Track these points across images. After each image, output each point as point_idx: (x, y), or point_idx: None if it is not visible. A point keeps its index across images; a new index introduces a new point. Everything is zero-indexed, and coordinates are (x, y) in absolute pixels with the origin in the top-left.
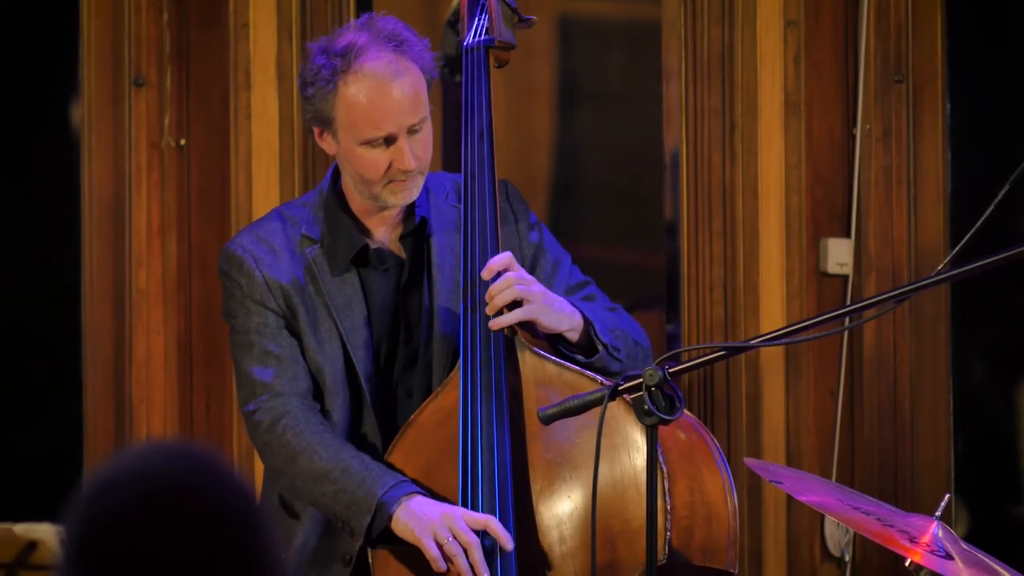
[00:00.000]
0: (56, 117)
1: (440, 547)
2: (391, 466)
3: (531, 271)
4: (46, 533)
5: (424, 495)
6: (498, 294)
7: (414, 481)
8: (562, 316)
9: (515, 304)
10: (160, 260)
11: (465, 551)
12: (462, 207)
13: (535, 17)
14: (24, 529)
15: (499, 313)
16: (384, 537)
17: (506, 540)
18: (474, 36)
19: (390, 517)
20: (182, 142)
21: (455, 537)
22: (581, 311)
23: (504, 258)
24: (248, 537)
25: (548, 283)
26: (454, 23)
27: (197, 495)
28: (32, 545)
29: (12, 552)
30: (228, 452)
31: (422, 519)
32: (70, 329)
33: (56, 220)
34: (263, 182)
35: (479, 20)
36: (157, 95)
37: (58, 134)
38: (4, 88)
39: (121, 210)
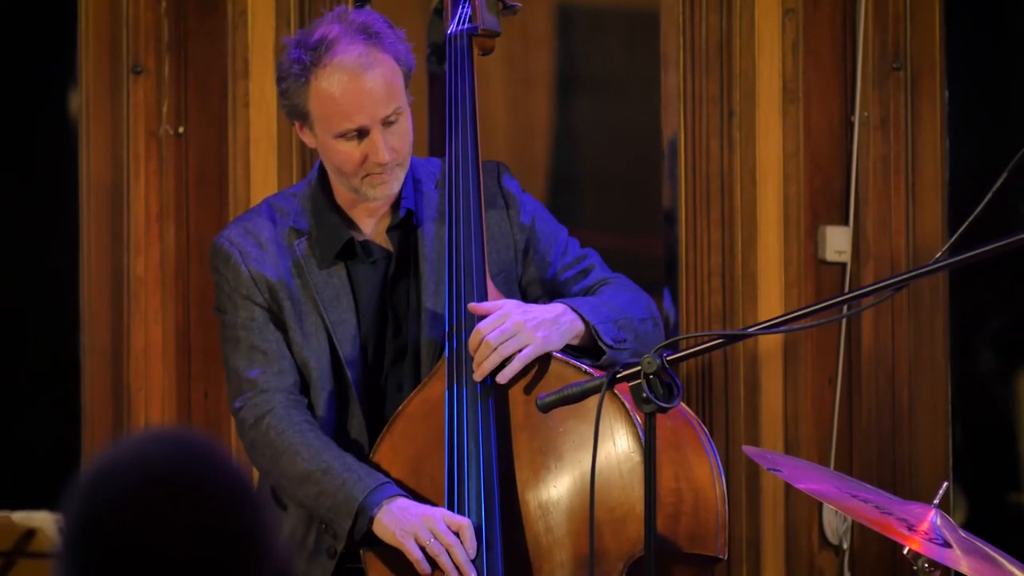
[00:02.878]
0: (54, 105)
1: (423, 549)
2: (377, 466)
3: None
4: (44, 521)
5: (406, 497)
6: (485, 360)
7: (398, 482)
8: (563, 336)
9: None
10: (158, 248)
11: (448, 551)
12: (446, 197)
13: (519, 3)
14: (22, 517)
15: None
16: (366, 539)
17: (472, 547)
18: (457, 24)
19: (371, 520)
20: (180, 130)
21: (436, 538)
22: (580, 314)
23: (482, 328)
24: (244, 523)
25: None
26: (441, 11)
27: (193, 482)
28: (30, 533)
29: (10, 540)
30: (225, 441)
31: (403, 522)
32: (68, 317)
33: (54, 208)
34: (261, 170)
35: (463, 8)
36: (155, 83)
37: (56, 122)
38: (3, 76)
39: (119, 198)
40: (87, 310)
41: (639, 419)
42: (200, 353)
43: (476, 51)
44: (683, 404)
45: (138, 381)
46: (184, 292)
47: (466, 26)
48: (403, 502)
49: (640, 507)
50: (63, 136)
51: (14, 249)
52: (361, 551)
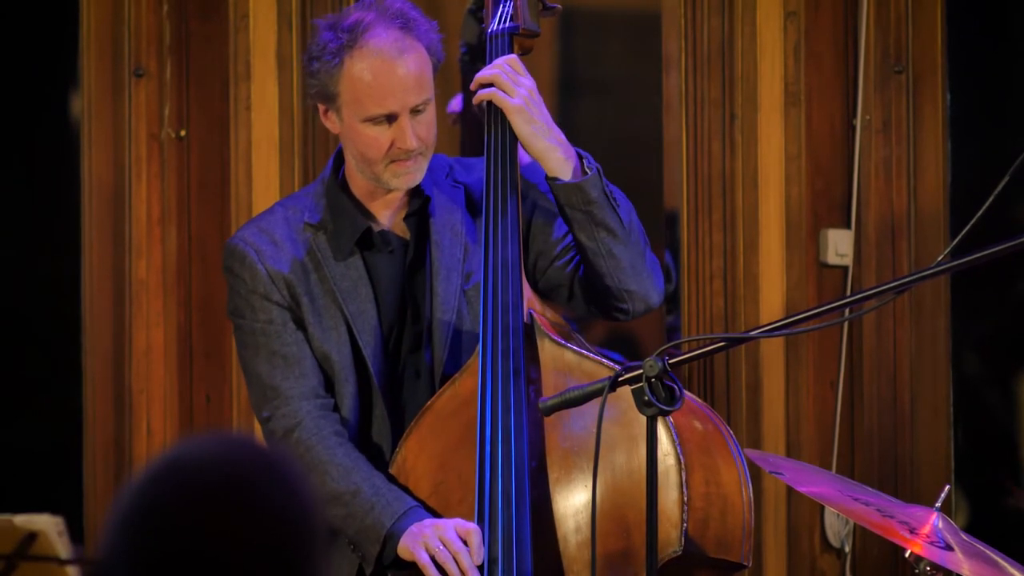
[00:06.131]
0: (56, 108)
1: (433, 557)
2: (402, 461)
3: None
4: (46, 524)
5: (430, 518)
6: (483, 79)
7: (423, 477)
8: (548, 136)
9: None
10: (160, 251)
11: (455, 558)
12: (484, 193)
13: (559, 5)
14: (24, 520)
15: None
16: (396, 563)
17: (478, 554)
18: (499, 23)
19: (398, 545)
20: (182, 133)
21: (445, 546)
22: (584, 157)
23: (495, 66)
24: (298, 551)
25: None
26: (476, 11)
27: (259, 497)
28: (32, 536)
29: (12, 543)
30: None
31: (416, 535)
32: (70, 320)
33: (56, 211)
34: (263, 173)
35: (504, 7)
36: (157, 86)
37: (58, 125)
38: (4, 79)
39: (121, 201)
40: (88, 313)
41: (672, 420)
42: (201, 356)
43: (516, 50)
44: (711, 408)
45: (139, 384)
46: (186, 295)
47: (507, 25)
48: (426, 522)
49: (672, 509)
50: (64, 139)
51: (16, 252)
52: (389, 574)
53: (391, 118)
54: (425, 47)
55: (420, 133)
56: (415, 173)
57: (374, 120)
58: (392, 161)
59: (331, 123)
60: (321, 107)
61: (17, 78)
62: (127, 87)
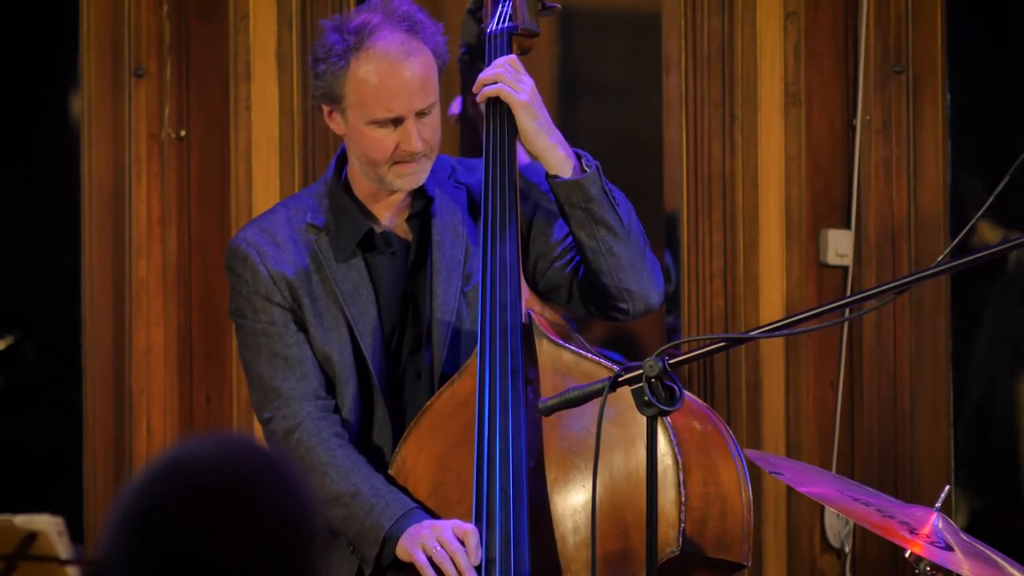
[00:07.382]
0: (56, 108)
1: (430, 558)
2: (402, 462)
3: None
4: (46, 525)
5: (429, 519)
6: (486, 79)
7: (422, 477)
8: (550, 135)
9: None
10: (160, 251)
11: (452, 558)
12: (484, 194)
13: (558, 5)
14: (24, 520)
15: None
16: (395, 565)
17: (475, 554)
18: (498, 23)
19: (397, 547)
20: (182, 133)
21: (442, 547)
22: (582, 157)
23: (498, 66)
24: (297, 552)
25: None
26: (475, 11)
27: (259, 499)
28: (32, 536)
29: (12, 544)
30: None
31: (415, 536)
32: (70, 320)
33: (56, 211)
34: (263, 173)
35: (503, 7)
36: (157, 86)
37: (58, 125)
38: (4, 79)
39: (121, 201)
40: (89, 313)
41: (670, 421)
42: (202, 356)
43: (515, 50)
44: (710, 408)
45: (139, 384)
46: (186, 295)
47: (507, 24)
48: (424, 523)
49: (669, 509)
50: (64, 139)
51: (16, 252)
52: (388, 575)
53: (397, 121)
54: (431, 50)
55: (425, 136)
56: (419, 175)
57: (379, 123)
58: (396, 163)
59: (335, 124)
60: (325, 108)
61: (17, 78)
62: (127, 87)
